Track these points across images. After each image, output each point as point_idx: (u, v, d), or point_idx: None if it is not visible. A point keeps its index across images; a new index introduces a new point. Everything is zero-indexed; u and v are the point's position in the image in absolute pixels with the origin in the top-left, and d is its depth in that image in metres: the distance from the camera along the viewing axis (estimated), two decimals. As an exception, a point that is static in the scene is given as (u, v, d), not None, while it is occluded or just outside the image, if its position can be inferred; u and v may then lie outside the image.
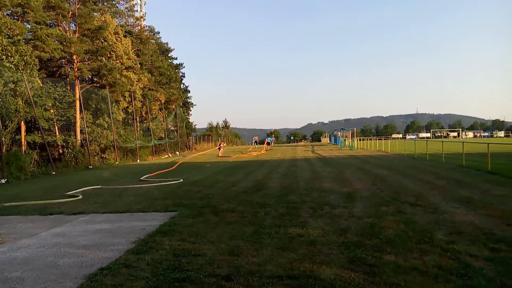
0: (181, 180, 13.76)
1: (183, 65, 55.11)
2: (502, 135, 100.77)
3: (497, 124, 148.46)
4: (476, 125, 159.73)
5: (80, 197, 10.32)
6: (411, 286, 3.78)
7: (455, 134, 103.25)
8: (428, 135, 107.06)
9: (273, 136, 66.03)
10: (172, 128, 45.47)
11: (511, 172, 12.42)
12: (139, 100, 33.87)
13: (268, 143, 47.50)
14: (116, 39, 29.74)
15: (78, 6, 26.01)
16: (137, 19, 47.85)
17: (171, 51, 51.81)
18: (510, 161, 16.14)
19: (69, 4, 26.37)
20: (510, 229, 5.70)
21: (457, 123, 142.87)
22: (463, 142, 18.82)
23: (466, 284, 3.81)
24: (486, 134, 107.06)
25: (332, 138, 64.02)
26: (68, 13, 25.49)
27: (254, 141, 68.08)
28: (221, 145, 35.73)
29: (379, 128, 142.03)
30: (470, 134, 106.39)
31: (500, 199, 8.14)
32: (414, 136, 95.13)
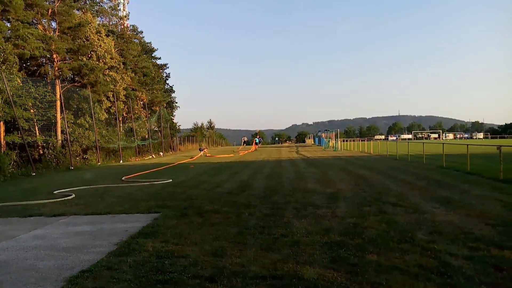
0: (170, 180, 13.65)
1: (168, 66, 54.98)
2: (481, 137, 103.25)
3: (477, 126, 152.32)
4: (456, 127, 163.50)
5: (73, 195, 10.34)
6: (392, 285, 3.83)
7: (436, 135, 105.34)
8: (410, 136, 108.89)
9: (259, 137, 67.92)
10: (156, 129, 45.11)
11: (490, 173, 12.70)
12: (121, 101, 33.44)
13: (256, 143, 50.17)
14: (98, 38, 29.31)
15: (57, 4, 25.54)
16: (121, 18, 47.30)
17: (154, 51, 51.53)
18: (488, 162, 16.53)
19: (48, 2, 25.87)
20: (488, 229, 5.83)
21: (437, 125, 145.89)
22: (443, 143, 19.19)
23: (446, 282, 3.88)
24: (467, 135, 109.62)
25: (316, 139, 64.48)
26: (48, 11, 25.00)
27: (243, 141, 70.12)
28: (204, 150, 36.30)
29: (362, 130, 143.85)
30: (451, 136, 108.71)
31: (479, 199, 8.32)
32: (395, 138, 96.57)
